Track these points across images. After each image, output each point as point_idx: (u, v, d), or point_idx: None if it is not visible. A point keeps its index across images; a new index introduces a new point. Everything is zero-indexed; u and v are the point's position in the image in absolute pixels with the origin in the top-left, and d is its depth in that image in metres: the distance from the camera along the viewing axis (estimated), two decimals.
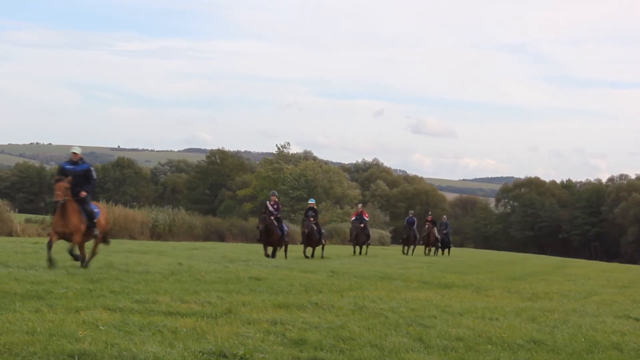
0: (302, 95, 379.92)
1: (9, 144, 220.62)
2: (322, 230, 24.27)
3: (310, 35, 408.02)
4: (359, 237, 27.54)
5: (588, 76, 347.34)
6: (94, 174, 13.35)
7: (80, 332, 6.71)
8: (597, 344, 8.26)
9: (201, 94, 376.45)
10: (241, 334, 7.35)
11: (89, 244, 13.40)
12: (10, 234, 29.58)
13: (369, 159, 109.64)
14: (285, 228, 21.75)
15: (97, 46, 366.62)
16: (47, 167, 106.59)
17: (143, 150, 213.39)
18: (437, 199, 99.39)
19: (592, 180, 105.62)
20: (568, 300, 13.09)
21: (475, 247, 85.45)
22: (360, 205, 31.26)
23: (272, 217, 20.82)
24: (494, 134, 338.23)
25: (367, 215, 29.72)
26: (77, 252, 12.92)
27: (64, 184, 12.51)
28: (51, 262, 12.18)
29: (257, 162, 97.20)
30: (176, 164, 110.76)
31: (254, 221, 41.92)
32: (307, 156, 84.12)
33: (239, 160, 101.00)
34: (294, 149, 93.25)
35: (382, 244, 53.63)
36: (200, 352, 6.38)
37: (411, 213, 34.42)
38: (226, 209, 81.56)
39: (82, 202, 12.83)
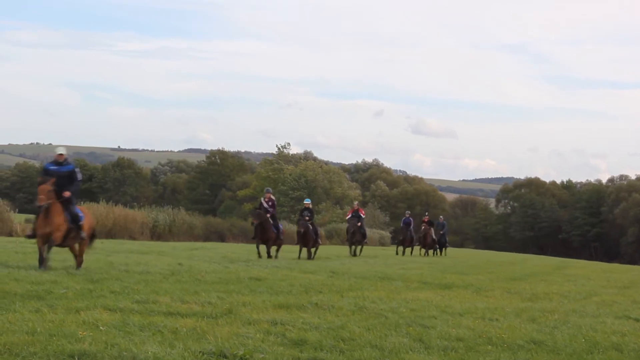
0: (302, 95, 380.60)
1: (9, 144, 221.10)
2: (319, 231, 23.71)
3: (310, 35, 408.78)
4: (355, 236, 27.10)
5: (588, 76, 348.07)
6: (79, 176, 13.03)
7: (81, 333, 6.70)
8: (597, 344, 8.26)
9: (201, 94, 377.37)
10: (241, 334, 7.35)
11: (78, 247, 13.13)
12: (10, 234, 29.54)
13: (369, 159, 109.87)
14: (281, 227, 21.42)
15: (97, 46, 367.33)
16: None
17: (143, 150, 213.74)
18: (437, 199, 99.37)
19: (592, 180, 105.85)
20: (568, 301, 13.09)
21: (476, 247, 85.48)
22: (356, 203, 30.73)
23: (268, 215, 20.48)
24: (494, 134, 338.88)
25: (363, 212, 29.12)
26: (47, 254, 12.35)
27: (47, 186, 12.21)
28: (42, 263, 12.03)
29: (257, 163, 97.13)
30: (176, 164, 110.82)
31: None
32: (307, 156, 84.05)
33: (239, 160, 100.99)
34: (294, 149, 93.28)
35: (382, 244, 53.62)
36: (200, 352, 6.38)
37: (407, 214, 33.88)
38: (226, 209, 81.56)
39: (66, 204, 12.55)
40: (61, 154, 12.96)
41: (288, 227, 37.58)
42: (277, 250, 21.33)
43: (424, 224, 32.75)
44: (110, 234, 33.97)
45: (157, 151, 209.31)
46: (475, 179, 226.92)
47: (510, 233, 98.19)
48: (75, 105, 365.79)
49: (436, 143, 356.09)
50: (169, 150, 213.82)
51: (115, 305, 8.44)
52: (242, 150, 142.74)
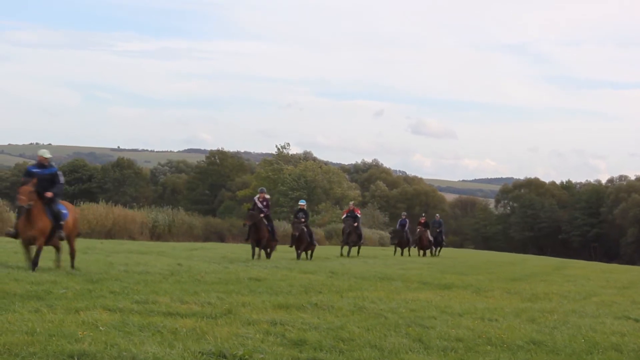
0: (302, 95, 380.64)
1: (9, 144, 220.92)
2: (313, 233, 23.33)
3: (310, 35, 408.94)
4: (350, 237, 26.86)
5: (588, 76, 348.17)
6: (62, 179, 12.86)
7: (80, 333, 6.71)
8: (597, 345, 8.27)
9: (201, 94, 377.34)
10: (241, 334, 7.35)
11: (65, 245, 13.07)
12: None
13: (369, 160, 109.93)
14: (274, 227, 21.15)
15: (97, 46, 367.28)
16: None
17: (143, 150, 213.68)
18: (437, 199, 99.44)
19: (591, 181, 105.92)
20: (568, 301, 13.09)
21: (475, 247, 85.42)
22: (351, 203, 30.46)
23: (262, 215, 20.22)
24: (494, 134, 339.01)
25: (359, 212, 28.87)
26: (35, 257, 12.28)
27: (29, 187, 12.09)
28: (33, 264, 11.99)
29: (257, 163, 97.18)
30: (176, 165, 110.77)
31: None
32: (306, 157, 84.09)
33: (238, 160, 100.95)
34: (294, 150, 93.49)
35: (382, 244, 53.59)
36: (200, 352, 6.38)
37: (404, 215, 33.72)
38: (226, 209, 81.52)
39: (48, 203, 12.43)
40: (45, 157, 12.80)
41: (287, 227, 37.52)
42: (270, 251, 20.96)
43: (420, 226, 32.75)
44: (109, 234, 33.97)
45: (156, 151, 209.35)
46: (475, 179, 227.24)
47: (509, 233, 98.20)
48: (75, 105, 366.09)
49: (436, 143, 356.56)
50: (169, 150, 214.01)
51: (114, 305, 8.45)
52: (242, 151, 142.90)
